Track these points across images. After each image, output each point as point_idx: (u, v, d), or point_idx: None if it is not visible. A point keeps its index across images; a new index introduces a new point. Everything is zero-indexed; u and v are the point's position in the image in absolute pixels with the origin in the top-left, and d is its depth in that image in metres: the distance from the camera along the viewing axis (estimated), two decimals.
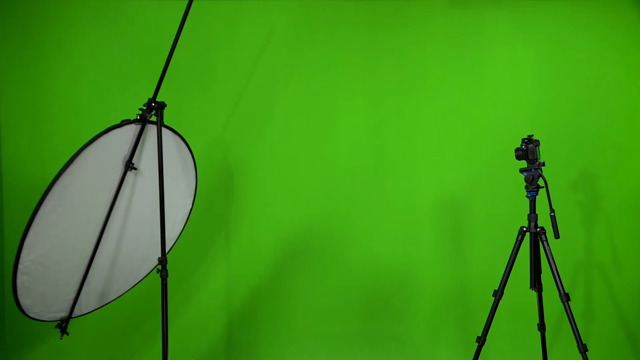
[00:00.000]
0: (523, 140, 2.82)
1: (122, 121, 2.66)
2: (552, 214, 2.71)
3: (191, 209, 3.16)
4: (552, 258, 2.77)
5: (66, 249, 2.67)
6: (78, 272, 2.79)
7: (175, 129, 2.90)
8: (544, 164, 2.78)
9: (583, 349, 2.75)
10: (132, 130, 2.69)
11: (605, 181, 3.50)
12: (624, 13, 3.48)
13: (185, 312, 3.56)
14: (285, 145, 3.53)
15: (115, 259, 2.90)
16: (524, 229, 2.84)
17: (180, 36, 2.71)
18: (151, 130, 2.75)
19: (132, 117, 2.68)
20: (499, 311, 2.84)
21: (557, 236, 2.71)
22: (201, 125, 3.49)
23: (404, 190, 3.55)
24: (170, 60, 2.71)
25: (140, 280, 3.12)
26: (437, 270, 3.55)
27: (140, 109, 2.69)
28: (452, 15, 3.51)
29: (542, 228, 2.81)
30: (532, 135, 2.82)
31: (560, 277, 2.76)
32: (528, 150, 2.78)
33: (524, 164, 2.83)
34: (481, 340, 2.83)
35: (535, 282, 2.88)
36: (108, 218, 2.76)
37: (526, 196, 2.83)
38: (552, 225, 2.72)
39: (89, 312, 3.00)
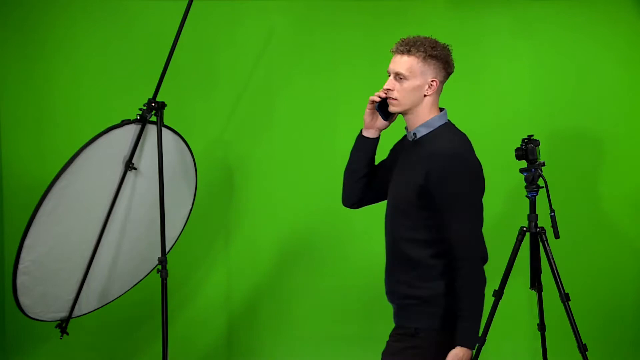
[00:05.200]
0: (523, 140, 2.81)
1: (122, 121, 2.66)
2: (552, 214, 2.71)
3: (191, 209, 3.16)
4: (552, 258, 2.77)
5: (66, 249, 2.67)
6: (78, 272, 2.79)
7: (175, 129, 2.90)
8: (544, 164, 2.77)
9: (583, 349, 2.75)
10: (132, 130, 2.69)
11: (605, 181, 3.49)
12: (623, 15, 3.47)
13: (185, 312, 3.56)
14: (285, 145, 3.53)
15: (115, 258, 2.90)
16: (524, 229, 2.84)
17: (181, 36, 2.72)
18: (151, 130, 2.75)
19: (133, 117, 2.68)
20: (499, 311, 2.84)
21: (557, 236, 2.71)
22: (201, 125, 3.48)
23: None
24: (170, 60, 2.72)
25: (140, 280, 3.13)
26: None
27: (140, 109, 2.69)
28: (452, 16, 3.50)
29: (542, 228, 2.81)
30: (532, 135, 2.82)
31: (560, 277, 2.76)
32: (528, 150, 2.78)
33: (523, 164, 2.82)
34: (481, 340, 2.82)
35: (535, 282, 2.87)
36: (108, 218, 2.76)
37: (526, 196, 2.83)
38: (552, 225, 2.72)
39: (89, 312, 3.01)
